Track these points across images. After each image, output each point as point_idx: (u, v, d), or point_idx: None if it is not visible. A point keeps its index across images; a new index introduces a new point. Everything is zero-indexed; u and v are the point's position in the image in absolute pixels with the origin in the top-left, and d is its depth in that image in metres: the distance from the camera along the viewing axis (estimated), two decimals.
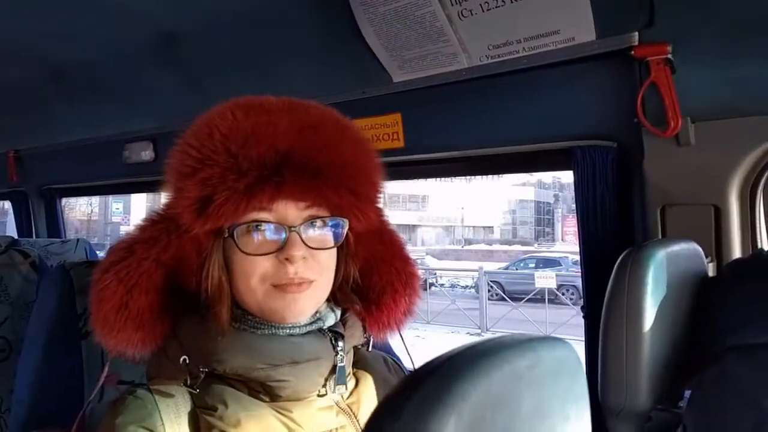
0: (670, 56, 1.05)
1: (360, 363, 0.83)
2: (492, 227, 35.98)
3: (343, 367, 0.75)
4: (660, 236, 1.18)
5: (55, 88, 1.92)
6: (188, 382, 0.70)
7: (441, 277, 15.51)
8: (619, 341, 0.88)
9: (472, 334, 9.05)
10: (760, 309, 0.85)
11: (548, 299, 9.38)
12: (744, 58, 1.02)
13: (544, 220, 37.46)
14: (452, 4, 1.12)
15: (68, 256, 1.98)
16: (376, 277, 0.83)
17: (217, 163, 0.68)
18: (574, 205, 1.30)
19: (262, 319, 0.72)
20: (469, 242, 32.54)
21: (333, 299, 0.80)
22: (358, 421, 0.76)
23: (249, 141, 0.68)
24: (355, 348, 0.82)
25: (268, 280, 0.70)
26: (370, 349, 0.84)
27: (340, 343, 0.75)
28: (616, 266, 0.92)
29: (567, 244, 26.70)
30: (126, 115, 2.03)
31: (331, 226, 0.74)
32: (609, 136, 1.22)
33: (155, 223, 0.74)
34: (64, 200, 2.78)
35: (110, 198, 22.59)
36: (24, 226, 2.76)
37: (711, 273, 1.10)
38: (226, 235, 0.71)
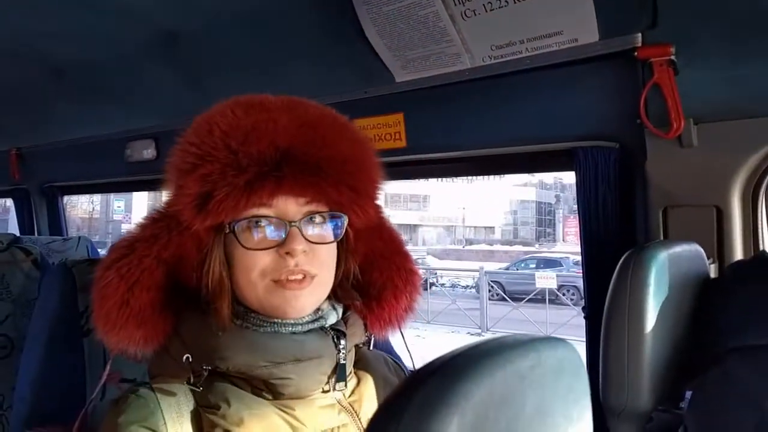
0: (673, 57, 1.05)
1: (361, 362, 0.83)
2: (493, 227, 35.98)
3: (345, 365, 0.76)
4: (662, 237, 1.18)
5: (57, 87, 1.92)
6: (191, 380, 0.70)
7: (442, 276, 15.52)
8: (620, 342, 0.88)
9: (472, 334, 9.05)
10: (761, 310, 0.85)
11: (549, 300, 9.39)
12: (747, 59, 1.02)
13: (545, 220, 37.46)
14: (455, 4, 1.12)
15: (70, 254, 1.98)
16: (377, 274, 0.84)
17: (217, 159, 0.69)
18: (575, 206, 1.31)
19: (264, 317, 0.73)
20: (470, 242, 32.53)
21: (334, 296, 0.80)
22: (359, 419, 0.76)
23: (249, 137, 0.69)
24: (356, 347, 0.82)
25: (269, 275, 0.71)
26: (371, 348, 0.85)
27: (342, 342, 0.75)
28: (618, 267, 0.92)
29: (568, 244, 26.70)
30: (128, 114, 2.03)
31: (331, 222, 0.75)
32: (611, 137, 1.21)
33: (156, 221, 0.75)
34: (65, 198, 2.78)
35: (112, 196, 22.61)
36: (26, 223, 2.76)
37: (713, 274, 1.10)
38: (227, 230, 0.72)
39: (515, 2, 1.07)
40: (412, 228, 32.35)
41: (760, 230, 1.14)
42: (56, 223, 2.71)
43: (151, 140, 2.07)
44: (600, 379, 0.91)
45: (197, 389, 0.70)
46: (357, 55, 1.34)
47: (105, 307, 0.71)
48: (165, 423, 0.66)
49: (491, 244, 30.36)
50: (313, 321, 0.75)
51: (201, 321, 0.73)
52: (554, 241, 33.67)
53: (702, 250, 1.04)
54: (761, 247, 1.14)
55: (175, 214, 0.73)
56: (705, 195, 1.13)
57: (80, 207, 24.12)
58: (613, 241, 1.23)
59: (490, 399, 0.37)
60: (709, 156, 1.11)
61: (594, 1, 1.03)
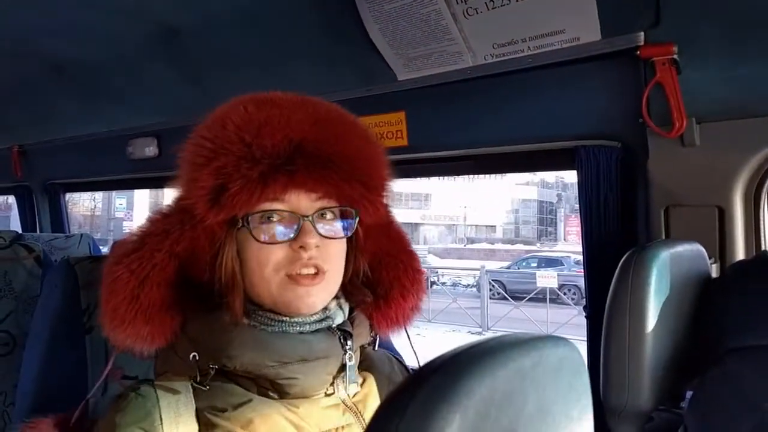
0: (675, 56, 1.05)
1: (365, 362, 0.83)
2: (494, 226, 35.98)
3: (353, 365, 0.76)
4: (663, 237, 1.17)
5: (59, 84, 1.92)
6: (198, 379, 0.70)
7: (443, 275, 15.51)
8: (621, 341, 0.88)
9: (473, 333, 9.05)
10: (762, 311, 0.85)
11: (550, 299, 9.38)
12: (750, 58, 1.02)
13: (546, 219, 37.44)
14: (457, 3, 1.12)
15: (72, 251, 1.99)
16: (384, 272, 0.84)
17: (231, 152, 0.69)
18: (576, 205, 1.31)
19: (273, 314, 0.73)
20: (471, 241, 32.53)
21: (344, 294, 0.81)
22: (363, 419, 0.76)
23: (263, 131, 0.70)
24: (361, 347, 0.82)
25: (282, 269, 0.71)
26: (375, 348, 0.85)
27: (349, 342, 0.76)
28: (619, 266, 0.91)
29: (569, 244, 26.67)
30: (130, 111, 2.04)
31: (342, 217, 0.75)
32: (613, 136, 1.21)
33: (167, 216, 0.75)
34: (67, 195, 2.79)
35: (113, 193, 22.63)
36: (28, 220, 2.77)
37: (714, 274, 1.09)
38: (240, 224, 0.72)
39: (517, 0, 1.07)
40: (414, 226, 32.34)
41: (762, 230, 1.14)
42: (58, 220, 2.71)
43: (153, 138, 2.07)
44: (600, 379, 0.91)
45: (203, 388, 0.70)
46: (358, 53, 1.34)
47: (113, 303, 0.70)
48: (161, 423, 0.66)
49: (492, 243, 30.35)
50: (320, 321, 0.75)
51: (209, 319, 0.73)
52: (556, 240, 33.64)
53: (704, 250, 1.04)
54: (763, 247, 1.14)
55: (188, 208, 0.73)
56: (707, 194, 1.13)
57: (82, 204, 24.14)
58: (615, 241, 1.23)
59: (491, 397, 0.37)
60: (712, 155, 1.11)
61: (596, 0, 1.03)
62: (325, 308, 0.76)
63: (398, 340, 0.94)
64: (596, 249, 1.26)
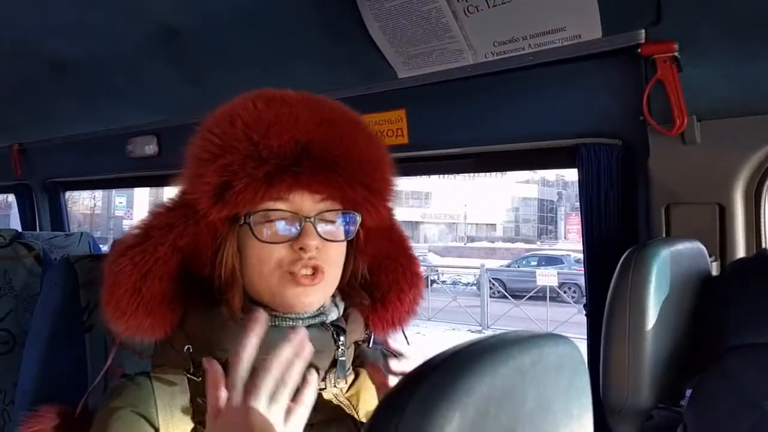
0: (676, 54, 1.05)
1: (360, 358, 0.84)
2: (495, 225, 36.01)
3: (344, 361, 0.77)
4: (664, 235, 1.17)
5: (59, 82, 1.92)
6: (191, 370, 0.72)
7: (443, 274, 15.52)
8: (621, 339, 0.88)
9: (473, 332, 9.06)
10: (762, 309, 0.85)
11: (550, 297, 9.39)
12: (751, 56, 1.02)
13: (547, 218, 37.46)
14: (458, 0, 1.12)
15: (72, 250, 1.99)
16: (383, 275, 0.85)
17: (237, 150, 0.69)
18: (577, 203, 1.31)
19: (270, 310, 0.73)
20: (471, 239, 32.54)
21: (341, 295, 0.81)
22: (357, 413, 0.77)
23: (271, 131, 0.70)
24: (356, 344, 0.83)
25: (282, 268, 0.71)
26: (370, 345, 0.85)
27: (342, 338, 0.76)
28: (619, 264, 0.91)
29: (570, 242, 26.68)
30: (129, 110, 2.04)
31: (344, 220, 0.76)
32: (614, 134, 1.21)
33: (171, 209, 0.75)
34: (67, 194, 2.79)
35: (113, 192, 22.62)
36: (28, 219, 2.77)
37: (715, 272, 1.09)
38: (242, 222, 0.72)
39: None
40: (414, 225, 32.35)
41: (762, 228, 1.14)
42: (58, 218, 2.71)
43: (152, 136, 2.07)
44: (600, 377, 0.91)
45: (196, 379, 0.71)
46: (359, 51, 1.34)
47: (116, 294, 0.71)
48: (156, 409, 0.68)
49: (493, 242, 30.36)
50: (314, 316, 0.75)
51: (208, 315, 0.73)
52: (556, 238, 33.68)
53: (704, 248, 1.04)
54: (763, 245, 1.14)
55: (192, 202, 0.73)
56: (708, 192, 1.13)
57: (82, 203, 24.15)
58: (615, 239, 1.23)
59: (491, 394, 0.37)
60: (712, 153, 1.11)
61: None
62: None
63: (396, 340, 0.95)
64: (597, 247, 1.26)
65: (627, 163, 1.21)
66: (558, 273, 10.38)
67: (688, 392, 0.93)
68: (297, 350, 0.62)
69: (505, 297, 10.22)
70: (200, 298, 0.75)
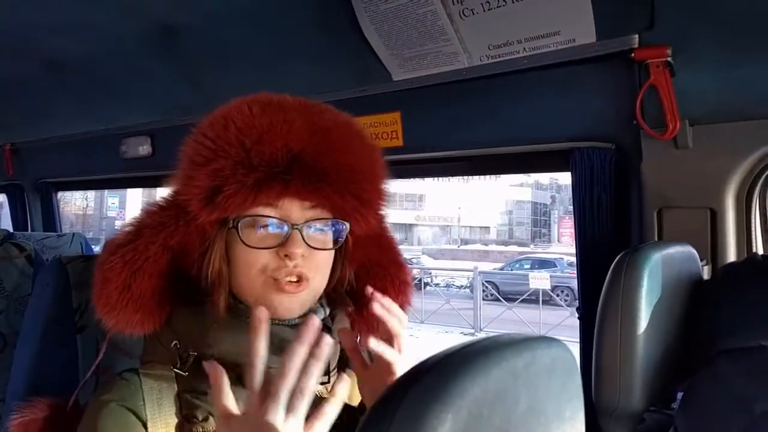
0: (669, 59, 1.06)
1: (345, 359, 0.84)
2: (488, 227, 36.06)
3: (328, 359, 0.77)
4: (656, 239, 1.18)
5: (52, 82, 1.91)
6: (178, 365, 0.73)
7: (436, 276, 15.53)
8: (613, 342, 0.89)
9: (465, 334, 9.06)
10: (752, 312, 0.86)
11: (543, 300, 9.41)
12: (743, 61, 1.03)
13: (540, 221, 37.56)
14: (453, 3, 1.12)
15: (64, 250, 1.98)
16: (371, 282, 0.85)
17: (229, 155, 0.70)
18: (570, 207, 1.31)
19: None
20: (465, 242, 32.58)
21: (327, 299, 0.82)
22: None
23: (263, 138, 0.70)
24: (342, 344, 0.83)
25: (267, 273, 0.72)
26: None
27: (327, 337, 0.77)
28: (611, 268, 0.92)
29: (563, 245, 26.77)
30: (123, 110, 2.03)
31: (332, 228, 0.77)
32: (607, 137, 1.22)
33: (163, 209, 0.76)
34: (59, 194, 2.77)
35: (106, 192, 22.51)
36: (19, 219, 2.75)
37: (706, 276, 1.10)
38: (231, 226, 0.73)
39: (513, 2, 1.07)
40: (408, 227, 32.37)
41: (753, 232, 1.15)
42: (50, 219, 2.69)
43: (146, 137, 2.06)
44: (592, 379, 0.92)
45: (183, 374, 0.72)
46: (354, 53, 1.34)
47: (106, 290, 0.72)
48: (144, 404, 0.70)
49: (486, 244, 30.43)
50: (299, 316, 0.76)
51: (193, 313, 0.75)
52: (549, 241, 33.76)
53: (695, 252, 1.05)
54: (754, 249, 1.15)
55: (183, 204, 0.74)
56: (699, 197, 1.14)
57: (74, 203, 24.00)
58: (608, 242, 1.23)
59: (483, 397, 0.38)
60: (704, 158, 1.12)
61: (592, 2, 1.03)
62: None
63: None
64: (590, 250, 1.27)
65: (620, 167, 1.22)
66: (551, 276, 10.40)
67: (680, 395, 0.94)
68: (313, 350, 0.60)
69: (498, 300, 10.22)
70: (188, 296, 0.76)
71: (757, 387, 0.79)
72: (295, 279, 0.72)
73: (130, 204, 22.26)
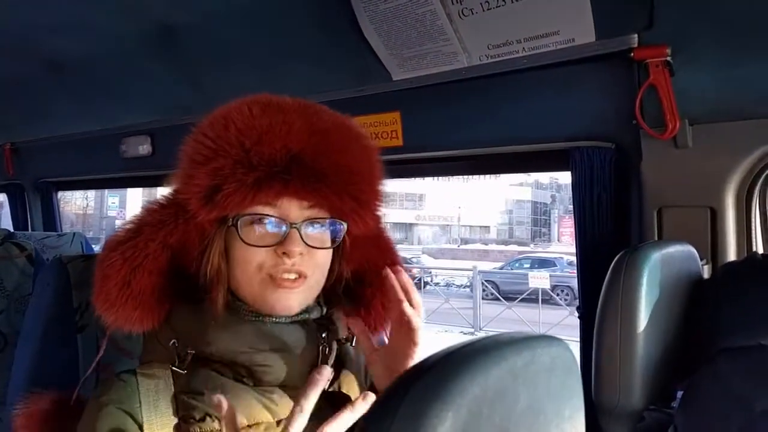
0: (669, 58, 1.06)
1: (343, 357, 0.85)
2: (488, 227, 36.07)
3: (327, 357, 0.78)
4: (656, 238, 1.18)
5: (53, 81, 1.91)
6: (176, 363, 0.73)
7: (436, 275, 15.53)
8: (612, 341, 0.89)
9: (465, 333, 9.05)
10: (752, 311, 0.86)
11: (542, 299, 9.40)
12: (742, 61, 1.03)
13: (540, 220, 37.58)
14: (453, 3, 1.12)
15: (64, 250, 1.98)
16: (368, 281, 0.86)
17: (229, 155, 0.71)
18: (570, 206, 1.31)
19: (252, 308, 0.75)
20: (465, 241, 32.58)
21: (324, 298, 0.83)
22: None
23: (263, 138, 0.71)
24: (339, 342, 0.84)
25: (265, 270, 0.73)
26: (353, 344, 0.86)
27: (324, 335, 0.78)
28: (611, 267, 0.92)
29: (563, 245, 26.77)
30: (123, 109, 2.03)
31: (330, 228, 0.77)
32: (607, 137, 1.22)
33: (164, 207, 0.77)
34: (60, 194, 2.77)
35: (106, 192, 22.50)
36: (20, 219, 2.75)
37: (706, 275, 1.10)
38: (230, 224, 0.74)
39: (513, 2, 1.07)
40: (408, 227, 32.37)
41: (753, 231, 1.15)
42: (50, 218, 2.69)
43: (146, 136, 2.06)
44: (592, 378, 0.92)
45: (181, 372, 0.73)
46: (354, 53, 1.34)
47: (106, 287, 0.73)
48: (140, 405, 0.70)
49: (486, 244, 30.43)
50: (297, 314, 0.77)
51: (192, 311, 0.75)
52: (549, 241, 33.78)
53: (695, 251, 1.05)
54: (754, 248, 1.15)
55: (183, 202, 0.75)
56: (699, 196, 1.14)
57: (74, 203, 23.99)
58: (608, 242, 1.24)
59: (483, 395, 0.38)
60: (704, 157, 1.12)
61: (591, 2, 1.03)
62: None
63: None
64: (589, 249, 1.27)
65: (620, 167, 1.22)
66: (550, 275, 10.39)
67: (679, 394, 0.94)
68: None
69: (497, 299, 10.21)
70: (187, 294, 0.77)
71: (757, 386, 0.79)
72: (293, 276, 0.73)
73: (131, 203, 22.23)
